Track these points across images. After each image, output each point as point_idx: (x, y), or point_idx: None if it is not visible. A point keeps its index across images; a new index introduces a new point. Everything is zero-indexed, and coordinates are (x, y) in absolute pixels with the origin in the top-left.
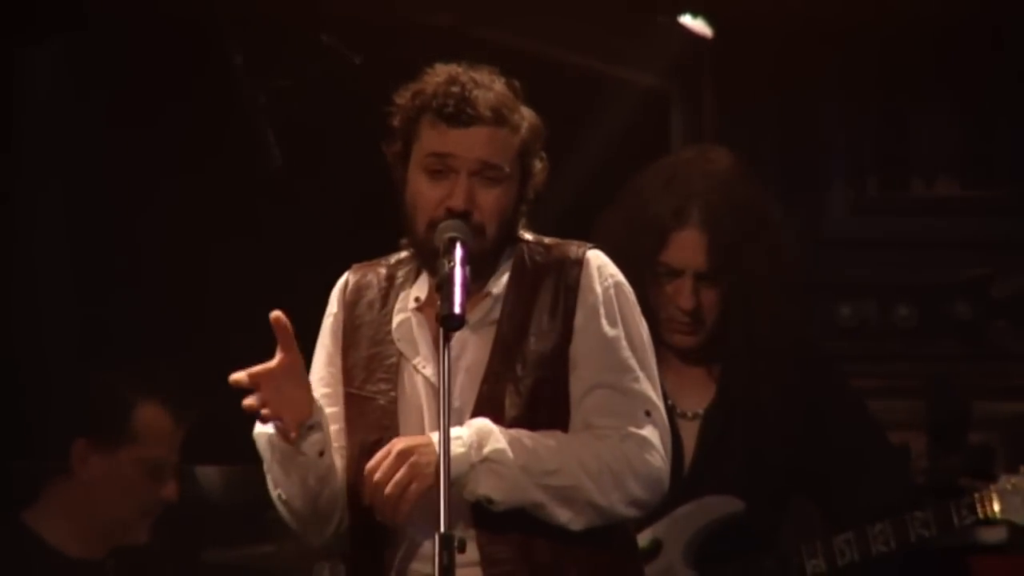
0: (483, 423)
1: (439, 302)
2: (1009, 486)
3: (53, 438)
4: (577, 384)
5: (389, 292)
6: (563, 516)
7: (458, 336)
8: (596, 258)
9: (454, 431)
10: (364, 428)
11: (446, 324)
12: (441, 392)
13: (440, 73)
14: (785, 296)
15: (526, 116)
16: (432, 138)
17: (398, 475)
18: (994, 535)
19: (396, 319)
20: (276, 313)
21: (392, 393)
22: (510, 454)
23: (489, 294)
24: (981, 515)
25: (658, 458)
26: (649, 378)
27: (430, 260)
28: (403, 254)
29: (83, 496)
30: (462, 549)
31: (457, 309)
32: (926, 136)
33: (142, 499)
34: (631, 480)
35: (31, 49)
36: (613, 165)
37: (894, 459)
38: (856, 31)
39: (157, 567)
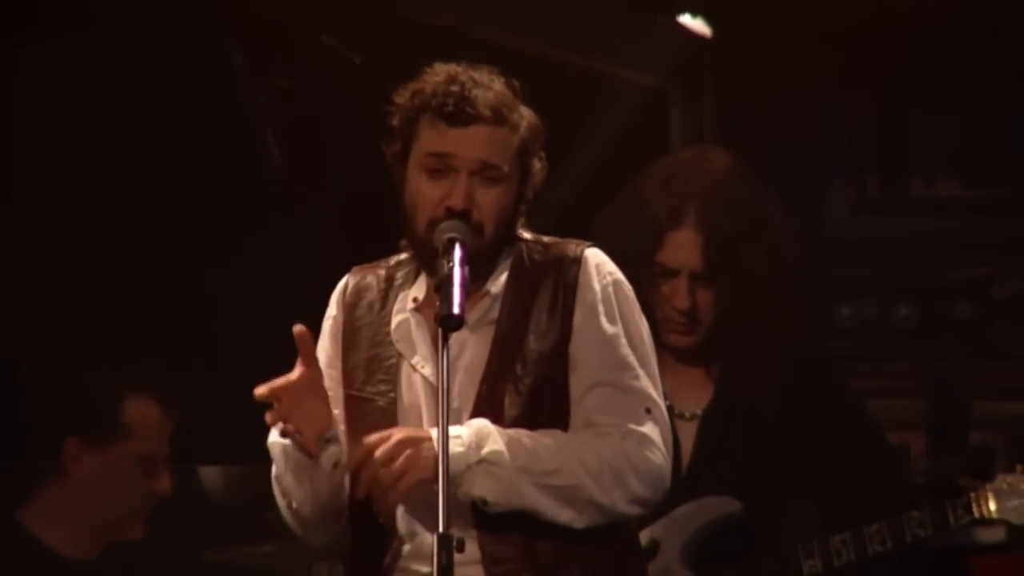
0: (482, 424)
1: (438, 302)
2: (1005, 485)
3: (47, 437)
4: (577, 383)
5: (388, 293)
6: (565, 516)
7: (457, 335)
8: (595, 256)
9: (453, 430)
10: (364, 430)
11: (445, 324)
12: (440, 392)
13: (440, 73)
14: (785, 296)
15: (525, 116)
16: (432, 138)
17: (396, 463)
18: (993, 535)
19: (395, 320)
20: (300, 327)
21: (392, 394)
22: (507, 456)
23: (488, 293)
24: (977, 515)
25: (659, 455)
26: (649, 375)
27: (429, 260)
28: (403, 256)
29: (77, 495)
30: (460, 548)
31: (456, 309)
32: (926, 136)
33: (136, 494)
34: (632, 478)
35: (31, 49)
36: (613, 165)
37: (894, 459)
38: (856, 31)
39: (157, 567)
